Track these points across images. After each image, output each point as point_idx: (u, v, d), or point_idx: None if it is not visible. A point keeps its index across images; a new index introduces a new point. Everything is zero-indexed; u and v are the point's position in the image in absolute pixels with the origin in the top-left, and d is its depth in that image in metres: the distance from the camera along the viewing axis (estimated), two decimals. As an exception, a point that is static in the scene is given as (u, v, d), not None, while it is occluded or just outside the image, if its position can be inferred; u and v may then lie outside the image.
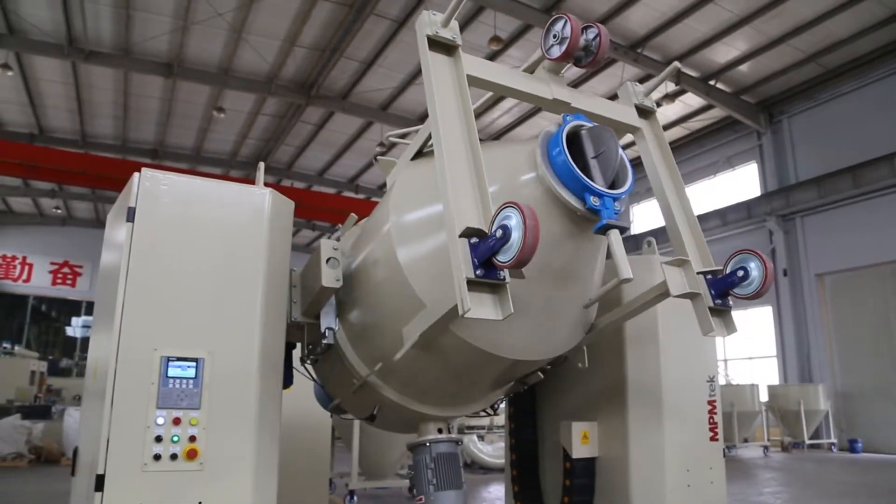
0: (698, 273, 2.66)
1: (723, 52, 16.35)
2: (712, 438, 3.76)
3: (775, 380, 18.22)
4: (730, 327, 2.64)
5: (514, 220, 1.96)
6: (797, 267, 18.03)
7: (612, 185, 2.40)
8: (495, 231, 2.00)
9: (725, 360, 20.13)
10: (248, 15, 14.94)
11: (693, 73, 17.11)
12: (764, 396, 17.00)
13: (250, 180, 3.16)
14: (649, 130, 3.02)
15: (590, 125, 2.49)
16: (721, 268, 2.67)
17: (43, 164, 17.70)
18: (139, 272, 2.68)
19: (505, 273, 2.04)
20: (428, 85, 2.43)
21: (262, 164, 3.48)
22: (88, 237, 27.70)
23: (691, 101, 18.72)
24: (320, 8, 14.66)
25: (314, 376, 3.53)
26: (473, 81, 2.55)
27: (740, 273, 2.60)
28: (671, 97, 17.88)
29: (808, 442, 16.17)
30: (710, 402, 3.80)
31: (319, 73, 17.21)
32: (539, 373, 3.41)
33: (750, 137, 19.52)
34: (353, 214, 3.51)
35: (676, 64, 3.15)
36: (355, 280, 3.01)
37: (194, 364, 2.68)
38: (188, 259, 2.78)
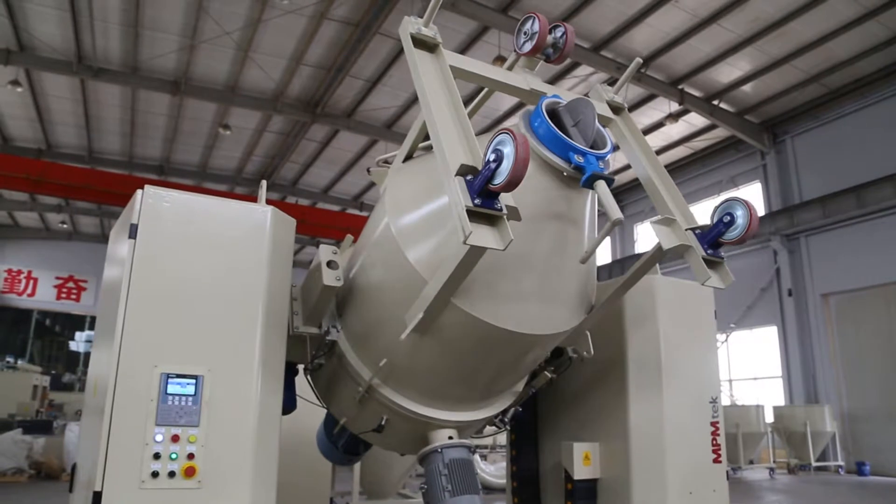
0: (686, 230, 2.71)
1: (726, 73, 16.44)
2: (715, 460, 3.72)
3: (781, 401, 18.07)
4: (725, 278, 2.66)
5: (505, 142, 2.09)
6: (802, 287, 17.97)
7: (593, 148, 2.54)
8: (489, 158, 2.10)
9: (730, 381, 19.99)
10: (255, 34, 15.11)
11: (696, 93, 17.19)
12: (769, 417, 16.85)
13: (255, 197, 3.17)
14: (622, 123, 3.18)
15: (566, 101, 2.66)
16: (707, 224, 2.71)
17: (50, 179, 17.82)
18: (140, 288, 2.69)
19: (502, 205, 2.13)
20: (415, 76, 2.63)
21: (264, 182, 3.50)
22: (93, 252, 27.79)
23: (695, 120, 18.79)
24: (326, 27, 14.81)
25: (315, 390, 3.49)
26: (456, 73, 2.74)
27: (726, 219, 2.63)
28: (675, 117, 17.96)
29: (814, 464, 15.99)
30: (713, 424, 3.77)
31: (325, 91, 17.35)
32: (546, 373, 3.42)
33: (753, 157, 19.56)
34: (349, 236, 3.52)
35: (639, 60, 3.29)
36: (354, 285, 3.06)
37: (194, 381, 2.67)
38: (189, 276, 2.79)
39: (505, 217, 2.13)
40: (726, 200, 2.69)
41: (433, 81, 2.62)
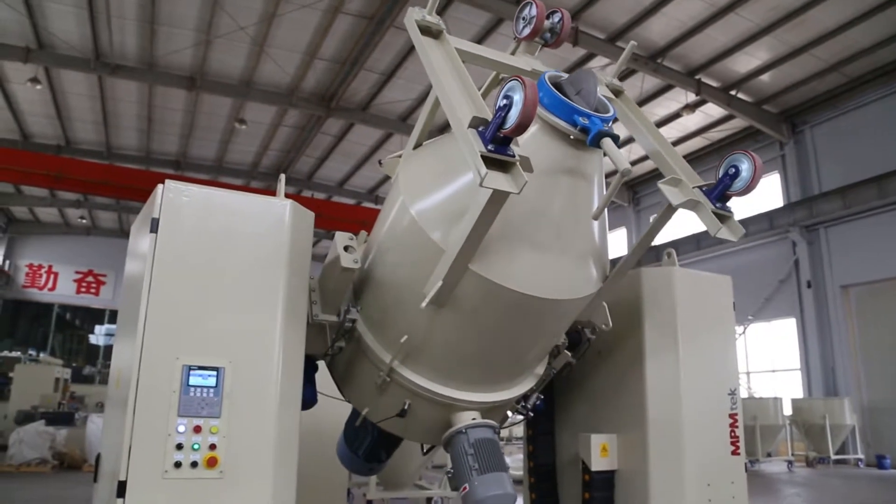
0: (693, 188, 2.78)
1: (744, 62, 16.24)
2: (734, 452, 3.70)
3: (799, 393, 17.92)
4: (736, 230, 2.73)
5: (515, 88, 2.18)
6: (821, 278, 17.77)
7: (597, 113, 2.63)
8: (499, 104, 2.19)
9: (748, 373, 19.85)
10: (270, 28, 15.15)
11: (714, 84, 17.02)
12: (788, 410, 16.72)
13: (271, 191, 3.19)
14: (623, 104, 3.26)
15: (567, 75, 2.78)
16: (713, 182, 2.78)
17: (69, 175, 18.05)
18: (162, 282, 2.72)
19: (515, 151, 2.20)
20: (422, 54, 2.78)
21: (282, 176, 3.52)
22: (112, 247, 28.14)
23: (712, 111, 18.60)
24: (340, 21, 14.83)
25: (336, 382, 3.50)
26: (460, 55, 2.84)
27: (731, 172, 2.71)
28: (691, 107, 17.78)
29: (833, 457, 15.85)
30: (731, 416, 3.75)
31: (339, 85, 17.38)
32: (566, 352, 3.41)
33: (772, 147, 19.33)
34: (363, 231, 3.55)
35: (634, 43, 3.39)
36: (371, 271, 3.12)
37: (215, 373, 2.71)
38: (210, 269, 2.82)
39: (518, 163, 2.19)
40: (731, 154, 2.76)
41: (439, 58, 2.75)
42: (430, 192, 2.81)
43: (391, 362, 2.99)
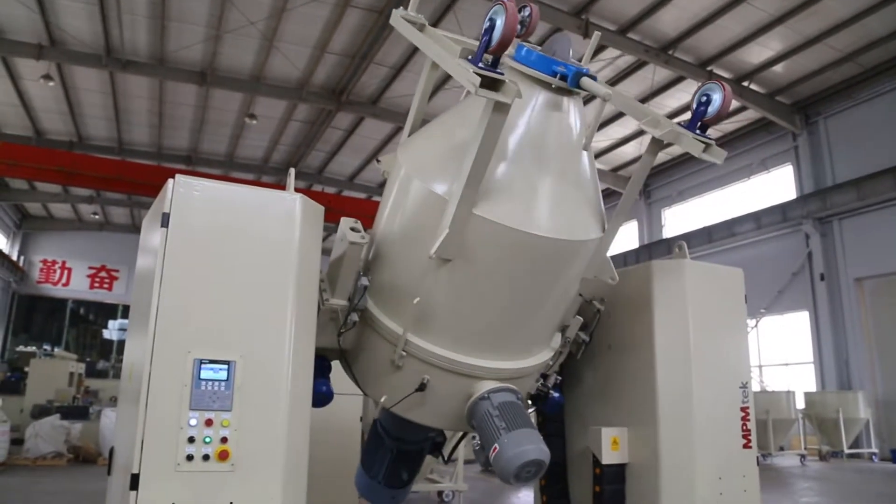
0: (673, 122, 2.96)
1: (756, 53, 16.07)
2: (745, 446, 3.69)
3: (812, 387, 17.79)
4: (718, 155, 2.92)
5: (498, 11, 2.41)
6: (835, 271, 17.60)
7: None
8: (485, 26, 2.44)
9: (761, 367, 19.72)
10: (279, 23, 15.16)
11: (726, 75, 16.84)
12: (800, 404, 16.60)
13: (282, 186, 3.21)
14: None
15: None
16: (687, 120, 2.95)
17: (82, 171, 18.18)
18: (173, 276, 2.74)
19: (504, 72, 2.42)
20: (408, 35, 3.17)
21: (292, 170, 3.53)
22: (125, 242, 28.32)
23: (724, 102, 18.41)
24: (350, 15, 14.81)
25: (351, 374, 3.49)
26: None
27: (703, 99, 2.87)
28: (703, 99, 17.61)
29: (847, 451, 15.72)
30: (742, 409, 3.73)
31: (349, 79, 17.38)
32: (578, 317, 3.47)
33: (785, 139, 19.13)
34: (371, 229, 3.58)
35: (597, 34, 3.56)
36: (378, 248, 3.23)
37: (226, 367, 2.72)
38: (221, 263, 2.83)
39: (507, 80, 2.39)
40: (702, 85, 2.94)
41: (425, 37, 3.08)
42: (430, 157, 3.01)
43: (405, 334, 2.99)
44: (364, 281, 3.14)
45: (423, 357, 3.02)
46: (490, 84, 2.35)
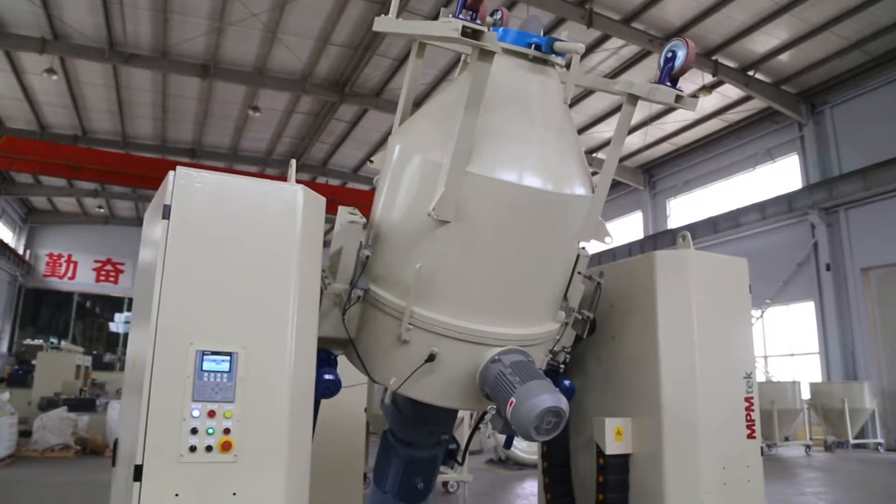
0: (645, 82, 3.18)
1: (762, 42, 15.96)
2: (749, 436, 3.67)
3: (818, 377, 17.76)
4: (690, 104, 3.09)
5: None
6: (841, 261, 17.53)
7: None
8: None
9: (766, 357, 19.70)
10: (282, 15, 15.13)
11: (731, 64, 16.75)
12: (806, 394, 16.58)
13: (285, 178, 3.20)
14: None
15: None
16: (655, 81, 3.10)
17: (86, 165, 18.28)
18: (175, 268, 2.73)
19: (484, 26, 2.53)
20: (398, 27, 3.42)
21: (293, 162, 3.52)
22: (130, 235, 28.42)
23: (729, 92, 18.32)
24: (353, 6, 14.76)
25: (357, 360, 3.45)
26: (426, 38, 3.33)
27: (669, 55, 3.04)
28: (708, 89, 17.53)
29: (852, 441, 15.72)
30: (747, 399, 3.71)
31: (353, 70, 17.34)
32: (581, 284, 3.47)
33: (791, 129, 19.03)
34: None
35: (581, 47, 3.76)
36: (376, 232, 3.28)
37: (228, 358, 2.72)
38: (222, 255, 2.82)
39: (487, 29, 2.53)
40: (669, 43, 3.08)
41: (405, 21, 3.31)
42: (422, 133, 3.17)
43: (409, 305, 2.98)
44: (366, 252, 3.15)
45: (430, 328, 3.00)
46: (473, 35, 2.51)
